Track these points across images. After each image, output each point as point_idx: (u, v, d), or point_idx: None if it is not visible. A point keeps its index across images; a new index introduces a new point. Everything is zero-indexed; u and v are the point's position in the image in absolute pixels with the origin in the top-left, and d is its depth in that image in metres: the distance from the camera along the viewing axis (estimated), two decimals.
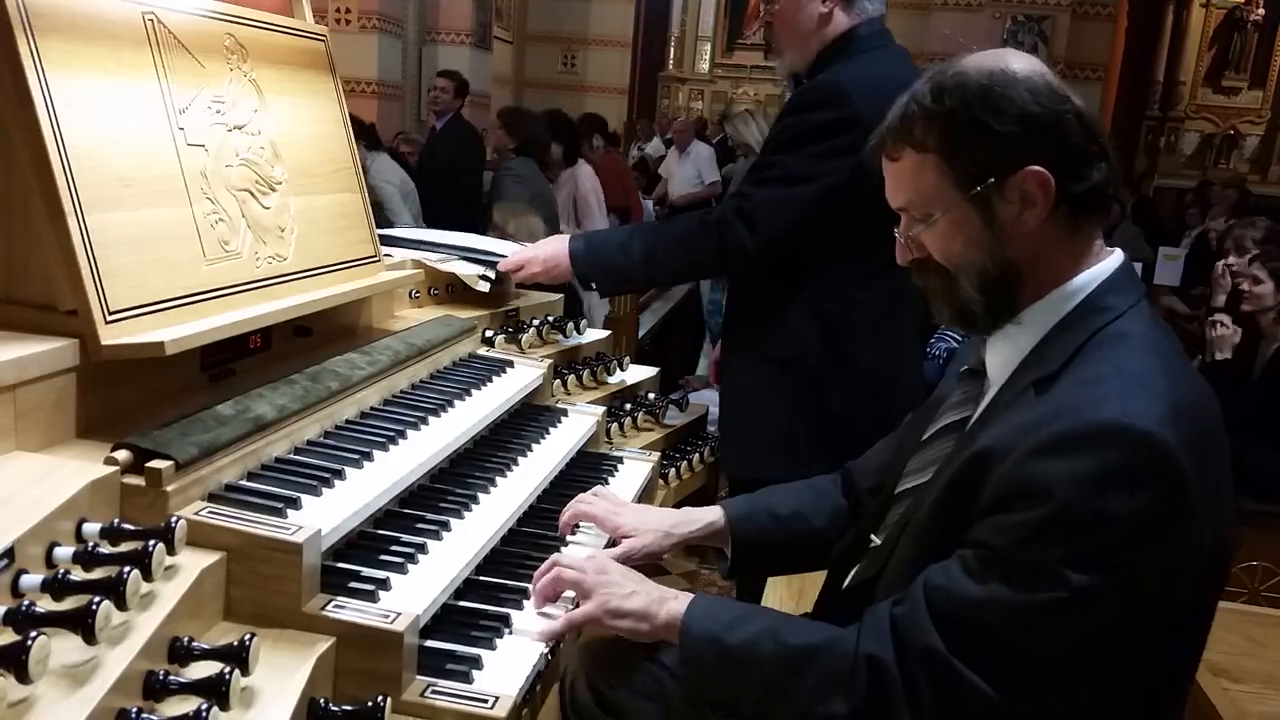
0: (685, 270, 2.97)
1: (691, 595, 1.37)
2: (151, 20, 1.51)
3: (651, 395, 2.47)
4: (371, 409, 1.71)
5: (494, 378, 2.01)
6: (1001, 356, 1.31)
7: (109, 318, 1.32)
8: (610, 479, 1.97)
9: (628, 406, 2.36)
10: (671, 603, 1.35)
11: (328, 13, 8.78)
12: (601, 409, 2.14)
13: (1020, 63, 1.25)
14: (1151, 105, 14.09)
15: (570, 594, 1.42)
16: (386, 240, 2.28)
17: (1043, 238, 1.24)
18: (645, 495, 2.01)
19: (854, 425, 2.05)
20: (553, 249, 2.25)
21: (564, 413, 2.09)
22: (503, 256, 2.32)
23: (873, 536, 1.46)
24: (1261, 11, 15.10)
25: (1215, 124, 14.74)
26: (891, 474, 1.50)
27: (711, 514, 1.65)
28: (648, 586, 1.40)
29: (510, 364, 2.11)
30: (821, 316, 2.13)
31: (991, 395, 1.32)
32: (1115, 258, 1.29)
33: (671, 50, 13.63)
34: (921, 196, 1.28)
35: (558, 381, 2.26)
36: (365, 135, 5.79)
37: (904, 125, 1.27)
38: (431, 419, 1.72)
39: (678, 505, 2.03)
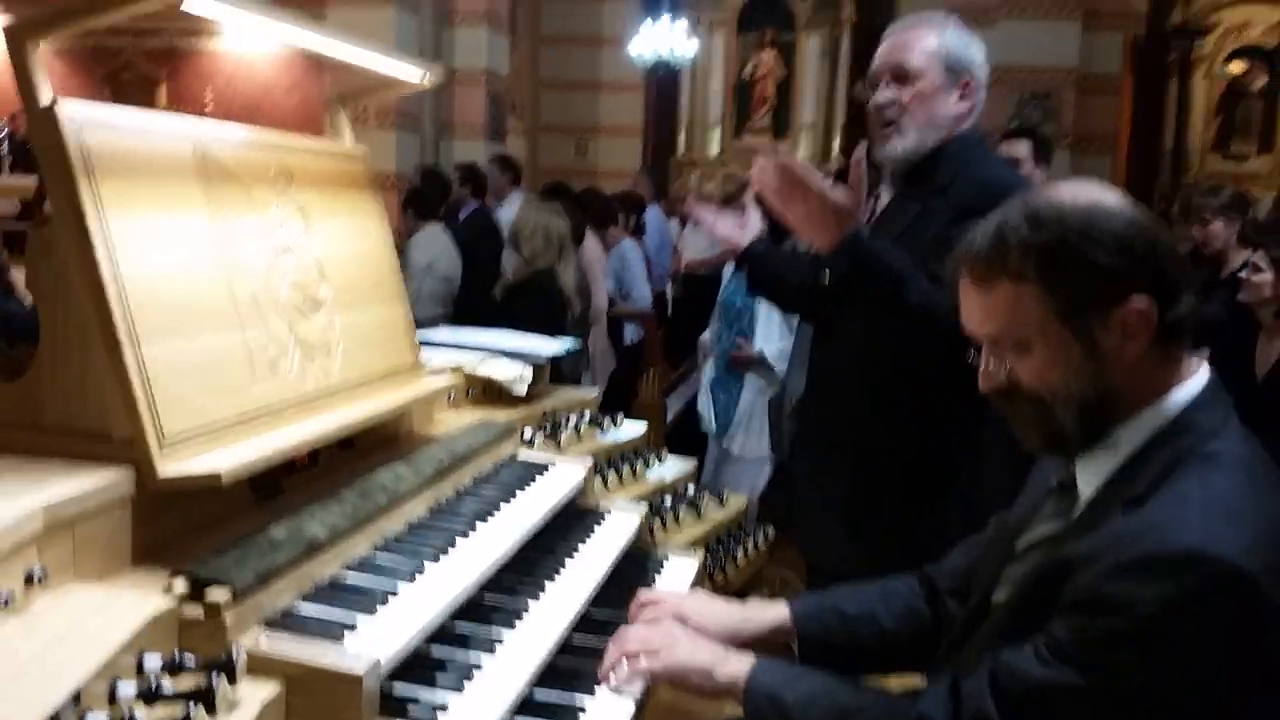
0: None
1: (754, 656, 1.43)
2: (202, 155, 1.56)
3: (691, 488, 2.47)
4: (419, 520, 1.72)
5: (537, 479, 2.01)
6: (1090, 473, 1.32)
7: (164, 445, 1.34)
8: (656, 578, 1.96)
9: (668, 501, 2.36)
10: (735, 661, 1.42)
11: None
12: (643, 507, 2.14)
13: (1110, 195, 1.28)
14: (1161, 174, 14.23)
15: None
16: (425, 343, 2.31)
17: (1137, 362, 1.25)
18: None
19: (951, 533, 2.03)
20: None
21: (606, 513, 2.09)
22: (539, 357, 2.35)
23: None
24: (1264, 79, 15.31)
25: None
26: (979, 582, 1.49)
27: (777, 612, 1.63)
28: (713, 645, 1.47)
29: (551, 465, 2.12)
30: (948, 420, 2.13)
31: (1080, 509, 1.33)
32: (1203, 374, 1.30)
33: (682, 135, 13.87)
34: (1018, 327, 1.28)
35: (597, 478, 2.26)
36: (414, 203, 5.91)
37: (998, 254, 1.27)
38: (479, 524, 1.72)
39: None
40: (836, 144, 13.88)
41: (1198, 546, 1.10)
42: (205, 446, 1.40)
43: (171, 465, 1.34)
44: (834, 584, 1.80)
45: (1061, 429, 1.29)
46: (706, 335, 4.65)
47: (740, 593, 2.31)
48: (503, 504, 1.83)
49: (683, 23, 11.36)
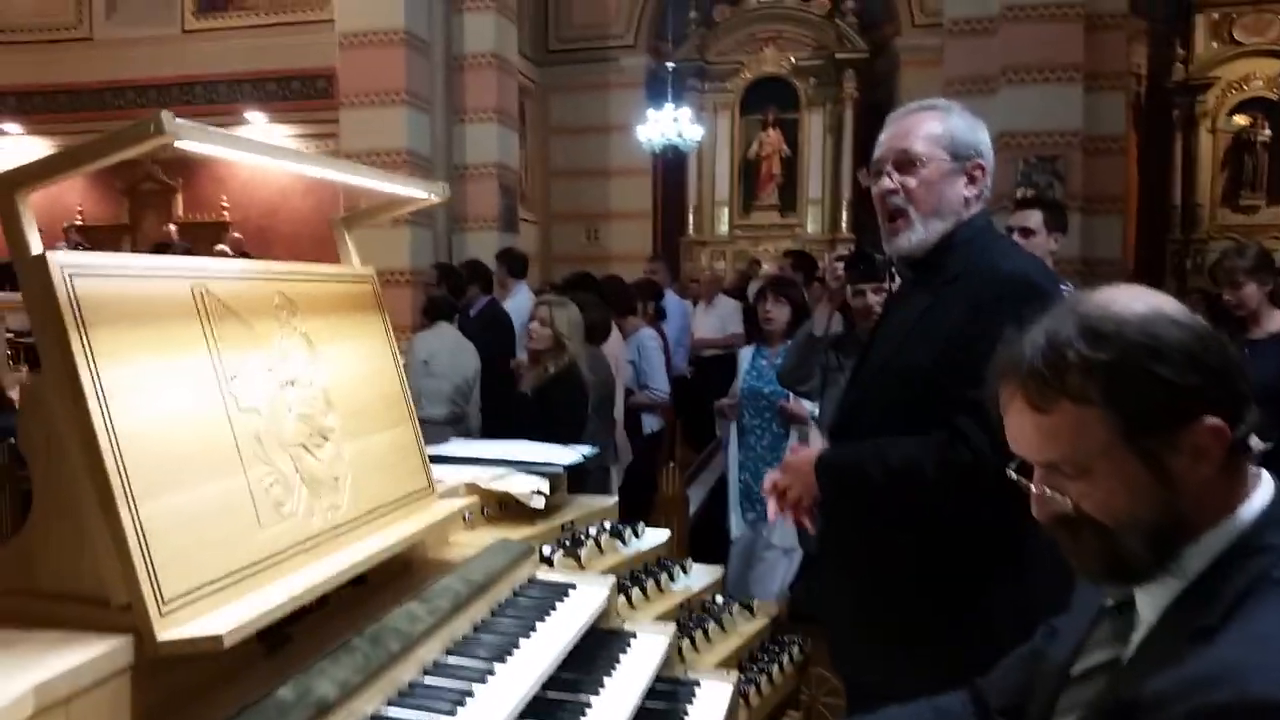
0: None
1: None
2: (201, 293, 1.51)
3: (719, 599, 2.37)
4: (435, 663, 1.63)
5: (557, 606, 1.92)
6: (1153, 596, 1.22)
7: (164, 609, 1.27)
8: (689, 708, 1.85)
9: (694, 617, 2.26)
10: None
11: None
12: (671, 627, 2.04)
13: (1165, 301, 1.19)
14: (1173, 230, 14.22)
15: None
16: (436, 460, 2.24)
17: (1208, 485, 1.16)
18: None
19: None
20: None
21: (632, 636, 1.99)
22: (556, 468, 2.27)
23: None
24: (1268, 132, 15.37)
25: (1239, 241, 14.84)
26: (1032, 711, 1.39)
27: None
28: None
29: (572, 587, 2.02)
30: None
31: (1143, 635, 1.23)
32: (1266, 486, 1.21)
33: (691, 216, 13.99)
34: (1081, 452, 1.18)
35: (621, 597, 2.16)
36: (428, 308, 5.91)
37: (1055, 374, 1.17)
38: (498, 666, 1.63)
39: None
40: (845, 219, 13.95)
41: (1277, 697, 0.99)
42: (207, 606, 1.33)
43: (171, 630, 1.26)
44: (877, 702, 1.69)
45: (1128, 558, 1.18)
46: (725, 427, 4.58)
47: (777, 711, 2.20)
48: (522, 640, 1.73)
49: (686, 109, 11.51)
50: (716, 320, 7.86)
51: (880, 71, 14.25)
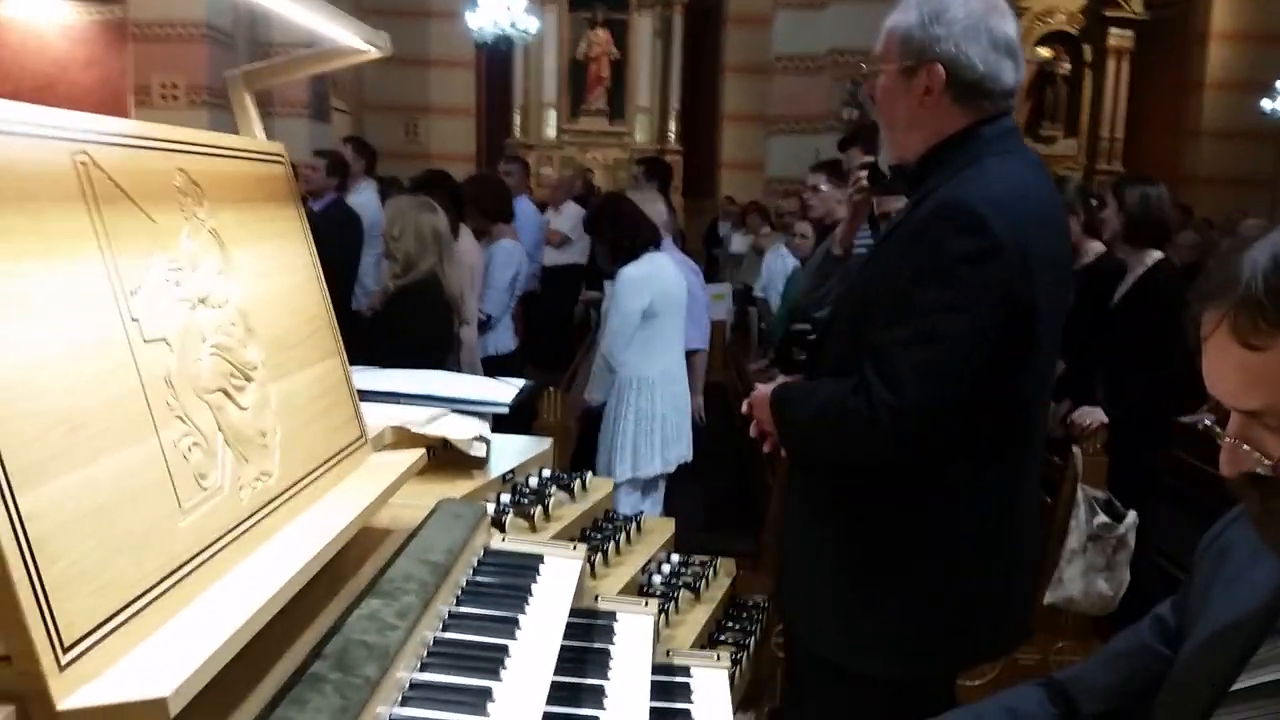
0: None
1: None
2: (85, 164, 1.01)
3: (674, 559, 2.05)
4: (413, 685, 1.21)
5: (532, 588, 1.53)
6: None
7: (64, 658, 0.81)
8: (689, 706, 1.54)
9: (657, 578, 1.93)
10: None
11: (152, 89, 8.02)
12: (655, 606, 1.70)
13: None
14: None
15: None
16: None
17: None
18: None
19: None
20: None
21: (613, 619, 1.64)
22: (503, 405, 1.86)
23: None
24: (1068, 66, 16.17)
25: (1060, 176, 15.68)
26: (1166, 714, 1.15)
27: None
28: None
29: (539, 560, 1.64)
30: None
31: None
32: None
33: (517, 117, 13.30)
34: None
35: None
36: None
37: (1275, 305, 0.93)
38: (495, 686, 1.22)
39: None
40: (673, 130, 13.66)
41: None
42: (125, 642, 0.88)
43: (80, 692, 0.81)
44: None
45: None
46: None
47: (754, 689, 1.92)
48: (509, 643, 1.34)
49: None
50: (566, 229, 7.41)
51: None
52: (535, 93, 13.39)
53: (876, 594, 1.79)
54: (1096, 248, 4.38)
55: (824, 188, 4.53)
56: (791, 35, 11.80)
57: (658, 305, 3.99)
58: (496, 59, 12.70)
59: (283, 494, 1.25)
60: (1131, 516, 3.44)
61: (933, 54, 1.80)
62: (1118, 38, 15.59)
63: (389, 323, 3.93)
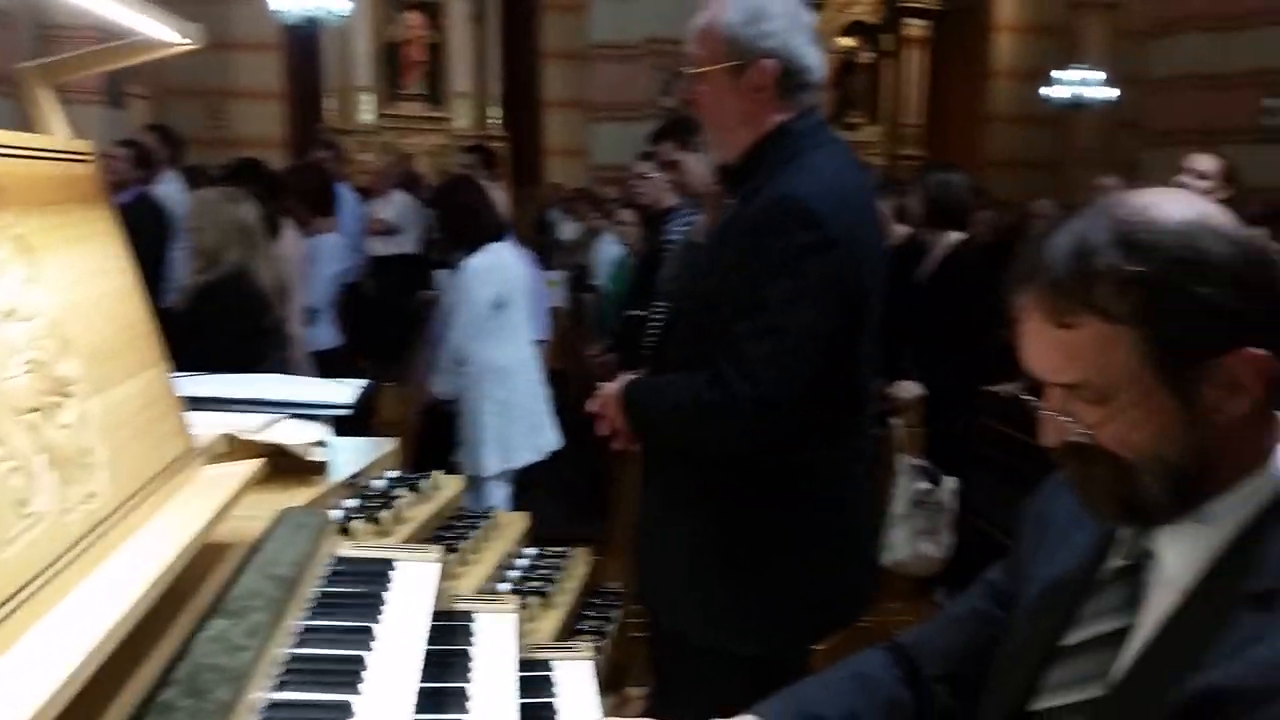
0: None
1: None
2: None
3: (529, 552, 2.04)
4: (269, 707, 1.16)
5: (384, 595, 1.49)
6: (1184, 555, 1.08)
7: None
8: (553, 699, 1.54)
9: (513, 574, 1.92)
10: None
11: None
12: (514, 603, 1.69)
13: (1214, 211, 1.04)
14: None
15: None
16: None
17: (1239, 423, 1.03)
18: None
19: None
20: None
21: (471, 619, 1.61)
22: (345, 407, 1.80)
23: None
24: (870, 55, 16.91)
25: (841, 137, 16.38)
26: (1003, 677, 1.22)
27: None
28: None
29: (389, 565, 1.59)
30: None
31: (1175, 604, 1.08)
32: None
33: (329, 101, 12.78)
34: (1107, 377, 1.02)
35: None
36: None
37: (1082, 285, 1.00)
38: (354, 700, 1.19)
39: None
40: (495, 116, 13.46)
41: None
42: None
43: None
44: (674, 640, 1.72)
45: (1145, 498, 1.06)
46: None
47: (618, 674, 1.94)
48: (365, 655, 1.29)
49: None
50: (392, 217, 7.17)
51: None
52: (348, 76, 12.92)
53: (736, 575, 1.84)
54: (901, 229, 4.64)
55: (652, 175, 4.58)
56: (609, 22, 11.84)
57: (505, 295, 3.95)
58: (306, 41, 12.18)
59: (112, 515, 1.17)
60: (951, 482, 3.66)
61: (761, 50, 1.83)
62: (915, 28, 16.41)
63: (192, 321, 3.70)
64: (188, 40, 1.47)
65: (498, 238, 4.05)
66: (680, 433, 1.89)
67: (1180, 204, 1.05)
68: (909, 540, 3.64)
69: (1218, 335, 1.00)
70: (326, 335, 5.11)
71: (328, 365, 5.06)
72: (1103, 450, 1.06)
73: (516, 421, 4.01)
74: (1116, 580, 1.17)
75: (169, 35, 1.45)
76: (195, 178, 5.85)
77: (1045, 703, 1.16)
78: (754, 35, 1.83)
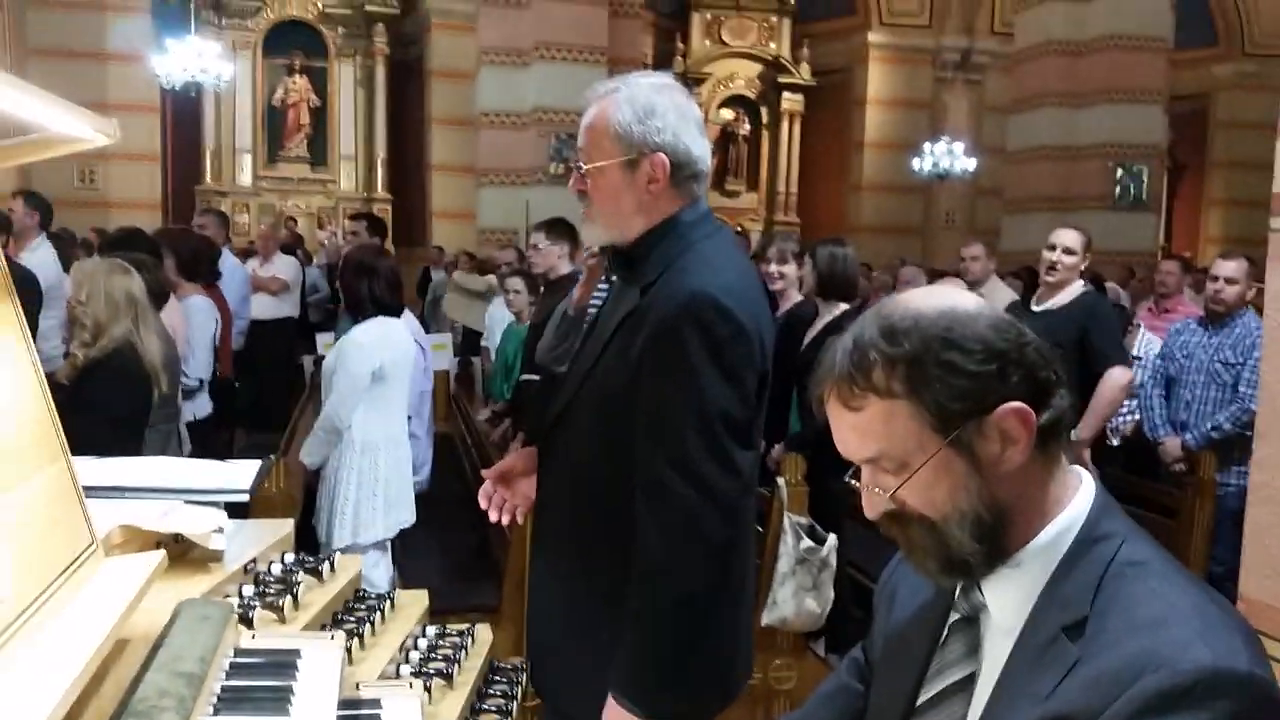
0: None
1: None
2: None
3: (430, 632, 2.04)
4: None
5: (293, 686, 1.49)
6: (1009, 601, 1.20)
7: None
8: None
9: (415, 655, 1.92)
10: None
11: None
12: (419, 687, 1.70)
13: (966, 297, 1.22)
14: None
15: None
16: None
17: (1023, 473, 1.17)
18: None
19: None
20: None
21: (378, 707, 1.62)
22: (243, 491, 1.79)
23: None
24: (748, 127, 17.56)
25: (724, 222, 16.92)
26: None
27: None
28: None
29: (296, 655, 1.59)
30: None
31: (1009, 646, 1.20)
32: (1087, 479, 1.25)
33: (208, 162, 12.55)
34: (896, 446, 1.17)
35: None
36: None
37: (861, 372, 1.16)
38: None
39: None
40: (380, 179, 13.43)
41: (1211, 665, 1.02)
42: None
43: None
44: None
45: (959, 552, 1.19)
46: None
47: None
48: None
49: (214, 43, 10.25)
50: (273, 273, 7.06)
51: (411, 31, 13.86)
52: (228, 137, 12.73)
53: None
54: (794, 296, 4.84)
55: (543, 245, 4.67)
56: (495, 92, 12.01)
57: (387, 368, 3.93)
58: (185, 103, 11.95)
59: (18, 619, 1.16)
60: (832, 539, 3.78)
61: (653, 145, 1.91)
62: (790, 101, 17.17)
63: (80, 397, 3.59)
64: (107, 135, 1.47)
65: (393, 312, 4.05)
66: (681, 585, 1.81)
67: (935, 295, 1.22)
68: (793, 596, 3.73)
69: (978, 395, 1.15)
70: (200, 406, 4.99)
71: (202, 436, 4.93)
72: (912, 513, 1.19)
73: (375, 496, 3.97)
74: (957, 633, 1.29)
75: (87, 131, 1.44)
76: (66, 244, 5.67)
77: None
78: (645, 132, 1.90)
